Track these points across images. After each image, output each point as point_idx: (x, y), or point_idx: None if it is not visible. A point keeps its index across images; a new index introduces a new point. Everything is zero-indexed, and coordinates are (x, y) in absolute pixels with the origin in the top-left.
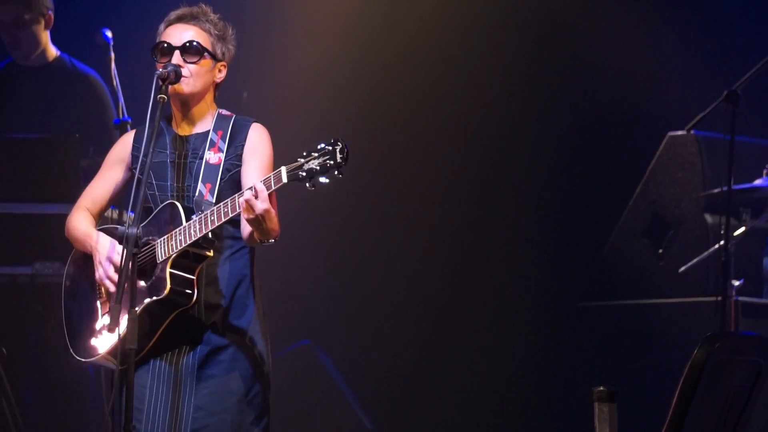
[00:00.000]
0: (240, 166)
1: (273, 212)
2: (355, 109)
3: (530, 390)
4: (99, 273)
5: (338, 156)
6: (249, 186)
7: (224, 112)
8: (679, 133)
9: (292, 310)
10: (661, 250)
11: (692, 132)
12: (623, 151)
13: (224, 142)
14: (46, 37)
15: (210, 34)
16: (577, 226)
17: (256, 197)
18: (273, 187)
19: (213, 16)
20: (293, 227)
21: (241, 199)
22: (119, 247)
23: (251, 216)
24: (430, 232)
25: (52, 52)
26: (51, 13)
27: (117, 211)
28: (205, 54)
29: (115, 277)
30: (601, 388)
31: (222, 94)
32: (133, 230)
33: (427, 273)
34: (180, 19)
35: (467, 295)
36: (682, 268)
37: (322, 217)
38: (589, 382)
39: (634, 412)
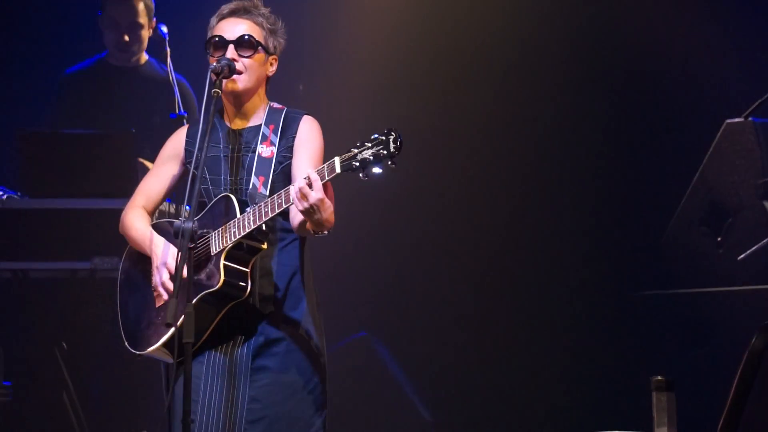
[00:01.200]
0: (291, 158)
1: (328, 202)
2: (410, 100)
3: (588, 380)
4: (155, 279)
5: (392, 146)
6: (302, 176)
7: (276, 105)
8: (737, 120)
9: (349, 302)
10: (719, 238)
11: (750, 119)
12: (681, 139)
13: (276, 136)
14: (146, 42)
15: (262, 27)
16: (636, 214)
17: (310, 186)
18: (326, 177)
19: (264, 10)
20: (350, 218)
21: (295, 188)
22: (174, 250)
23: (305, 205)
24: (485, 221)
25: (144, 56)
26: (154, 20)
27: (174, 205)
28: (259, 48)
29: (170, 284)
30: (659, 378)
31: (278, 87)
32: (189, 224)
33: (482, 263)
34: (233, 13)
35: (524, 285)
36: (742, 256)
37: (377, 208)
38: (648, 372)
39: (692, 402)
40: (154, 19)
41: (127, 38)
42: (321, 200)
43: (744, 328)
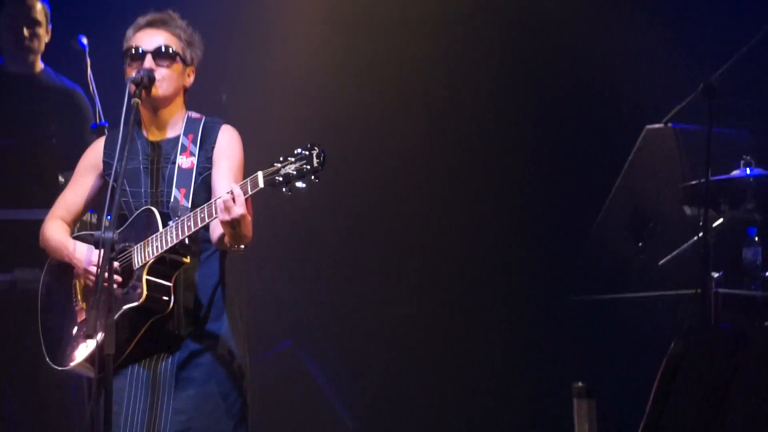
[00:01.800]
0: (211, 168)
1: (249, 218)
2: (335, 110)
3: (513, 386)
4: (90, 279)
5: (315, 161)
6: (224, 189)
7: (194, 114)
8: (657, 126)
9: (274, 311)
10: (641, 243)
11: (670, 125)
12: (603, 144)
13: (195, 146)
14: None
15: (180, 39)
16: (560, 220)
17: (234, 201)
18: (250, 192)
19: (181, 22)
20: (275, 228)
21: (219, 202)
22: (95, 254)
23: (227, 219)
24: (414, 232)
25: (39, 64)
26: (50, 27)
27: (96, 216)
28: (177, 58)
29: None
30: (580, 384)
31: (201, 97)
32: (110, 234)
33: (410, 271)
34: (150, 24)
35: (450, 291)
36: (662, 261)
37: (303, 218)
38: (570, 378)
39: (613, 408)
40: (50, 26)
41: (27, 34)
42: (243, 215)
43: (664, 333)
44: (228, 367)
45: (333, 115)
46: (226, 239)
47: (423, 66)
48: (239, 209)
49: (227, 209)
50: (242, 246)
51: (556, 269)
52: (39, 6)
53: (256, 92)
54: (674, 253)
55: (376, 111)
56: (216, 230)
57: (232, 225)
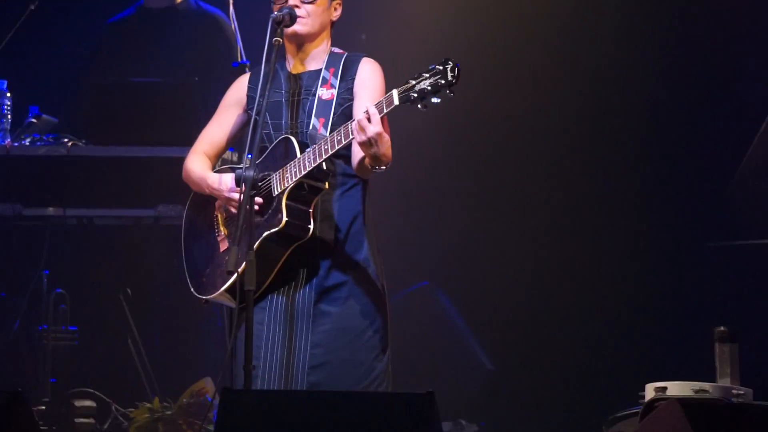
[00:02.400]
0: (352, 100)
1: (386, 136)
2: (477, 51)
3: (654, 331)
4: (229, 207)
5: (449, 74)
6: (362, 112)
7: (337, 50)
8: None
9: (411, 251)
10: None
11: None
12: (747, 88)
13: (336, 78)
14: None
15: None
16: (703, 163)
17: (369, 120)
18: (385, 110)
19: None
20: (413, 166)
21: (354, 122)
22: (234, 184)
23: (363, 139)
24: (551, 167)
25: None
26: None
27: (236, 154)
28: None
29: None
30: (723, 328)
31: (341, 36)
32: (251, 172)
33: (548, 210)
34: None
35: (589, 234)
36: None
37: (441, 158)
38: (713, 323)
39: (755, 353)
40: None
41: None
42: (379, 134)
43: None
44: (367, 298)
45: (475, 55)
46: (366, 161)
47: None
48: (375, 127)
49: (362, 129)
50: (383, 167)
51: (701, 215)
52: None
53: (396, 33)
54: None
55: (517, 54)
56: (356, 155)
57: (370, 144)
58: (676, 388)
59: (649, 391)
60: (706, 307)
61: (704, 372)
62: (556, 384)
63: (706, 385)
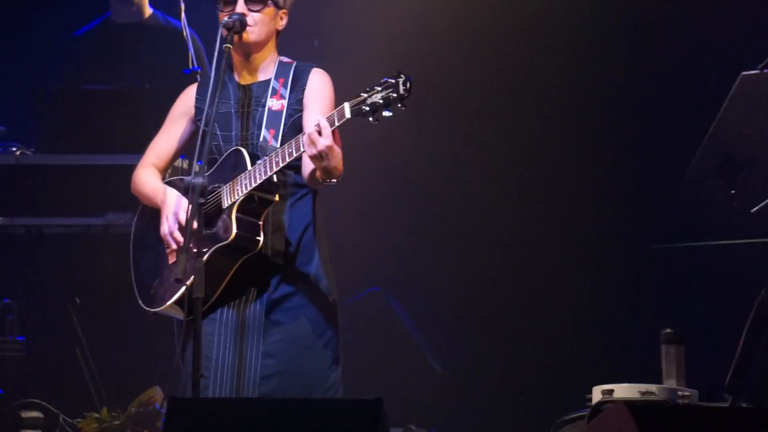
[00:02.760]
0: (302, 111)
1: (337, 149)
2: (429, 56)
3: (598, 332)
4: (164, 228)
5: (401, 88)
6: (312, 125)
7: (285, 59)
8: (753, 72)
9: (361, 256)
10: (733, 191)
11: (766, 71)
12: (696, 91)
13: (286, 89)
14: None
15: None
16: (649, 166)
17: (320, 133)
18: (336, 123)
19: None
20: (363, 170)
21: (305, 135)
22: (185, 202)
23: (314, 152)
24: (500, 171)
25: (147, 9)
26: None
27: (187, 161)
28: (269, 2)
29: (179, 235)
30: (669, 330)
31: (293, 43)
32: (199, 180)
33: (495, 214)
34: None
35: (536, 237)
36: (755, 209)
37: (390, 161)
38: (658, 325)
39: (701, 354)
40: None
41: None
42: (330, 147)
43: (755, 281)
44: (318, 309)
45: (425, 60)
46: (317, 174)
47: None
48: (325, 140)
49: (313, 142)
50: (333, 180)
51: (646, 216)
52: None
53: (348, 38)
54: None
55: (468, 60)
56: (307, 167)
57: (320, 157)
58: (622, 391)
59: (596, 393)
60: (652, 309)
61: (651, 374)
62: (505, 388)
63: (652, 387)
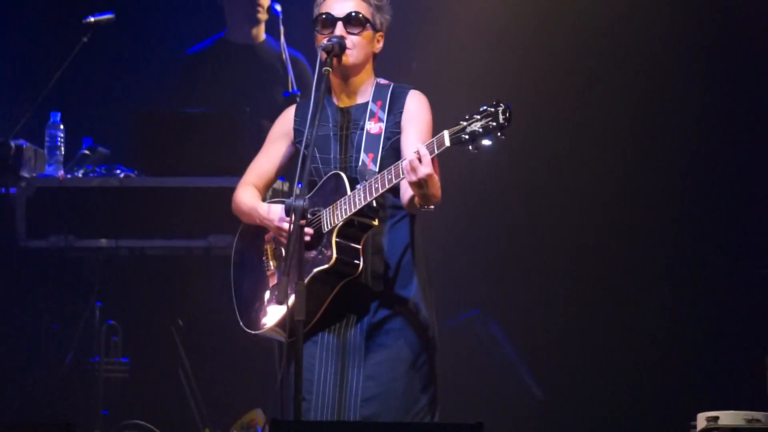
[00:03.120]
0: (399, 133)
1: (436, 177)
2: (523, 78)
3: (705, 359)
4: (279, 237)
5: (501, 117)
6: (412, 152)
7: (382, 81)
8: None
9: (462, 279)
10: None
11: None
12: None
13: (384, 112)
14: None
15: (370, 4)
16: (754, 189)
17: (420, 161)
18: (436, 151)
19: None
20: (464, 194)
21: (405, 163)
22: (284, 214)
23: (414, 180)
24: (595, 197)
25: (263, 34)
26: None
27: (287, 184)
28: (367, 25)
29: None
30: None
31: (391, 64)
32: (300, 202)
33: (595, 238)
34: None
35: (639, 258)
36: None
37: (492, 185)
38: (764, 351)
39: None
40: None
41: (262, 5)
42: (430, 175)
43: None
44: (417, 331)
45: (523, 81)
46: (416, 200)
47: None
48: (425, 169)
49: (413, 169)
50: (432, 206)
51: (751, 240)
52: None
53: (446, 59)
54: None
55: (564, 72)
56: (406, 192)
57: (420, 185)
58: (728, 418)
59: (701, 420)
60: (757, 335)
61: (756, 401)
62: (607, 413)
63: (758, 415)
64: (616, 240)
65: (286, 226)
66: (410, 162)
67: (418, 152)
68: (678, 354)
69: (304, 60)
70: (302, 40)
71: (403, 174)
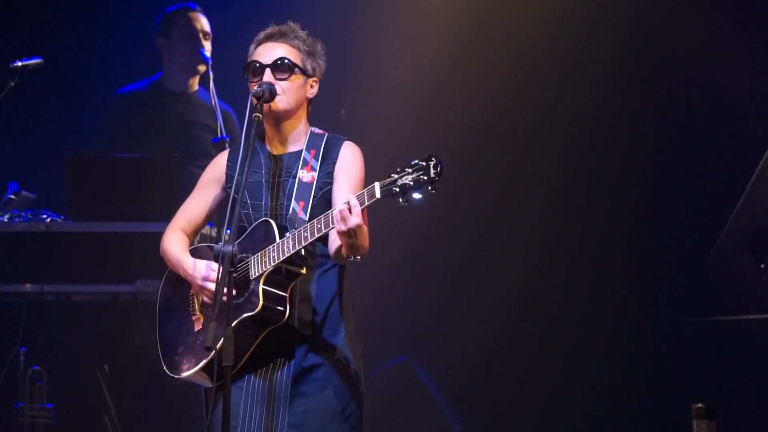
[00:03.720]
0: (332, 183)
1: (365, 228)
2: (454, 126)
3: (629, 405)
4: (205, 295)
5: (432, 171)
6: (342, 201)
7: (317, 130)
8: None
9: (388, 327)
10: (763, 265)
11: None
12: (725, 163)
13: (317, 161)
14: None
15: (299, 50)
16: (679, 239)
17: (350, 211)
18: (366, 203)
19: (301, 33)
20: (385, 243)
21: (335, 212)
22: (215, 266)
23: (343, 229)
24: (522, 244)
25: (196, 84)
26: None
27: (215, 229)
28: (296, 70)
29: (211, 291)
30: (700, 405)
31: (320, 111)
32: (229, 248)
33: (520, 285)
34: (269, 38)
35: (563, 307)
36: None
37: (416, 232)
38: (689, 399)
39: (733, 429)
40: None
41: (194, 47)
42: (359, 225)
43: None
44: (344, 379)
45: (451, 128)
46: (344, 250)
47: (541, 73)
48: (355, 219)
49: (343, 219)
50: (359, 257)
51: (678, 289)
52: (204, 20)
53: (375, 106)
54: None
55: (493, 122)
56: (334, 242)
57: (349, 235)
58: None
59: None
60: (682, 382)
61: None
62: None
63: None
64: (545, 292)
65: (209, 285)
66: (340, 212)
67: (348, 202)
68: (603, 400)
69: (229, 109)
70: (231, 95)
71: (332, 224)
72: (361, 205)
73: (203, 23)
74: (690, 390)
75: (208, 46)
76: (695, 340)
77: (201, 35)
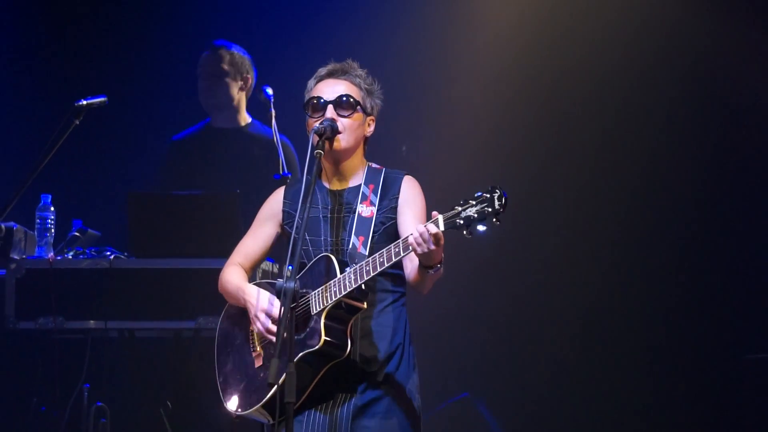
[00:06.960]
0: (393, 218)
1: (442, 240)
2: (515, 161)
3: None
4: (257, 325)
5: (496, 203)
6: (410, 231)
7: (374, 165)
8: None
9: (450, 363)
10: None
11: None
12: None
13: (376, 196)
14: (241, 99)
15: (360, 88)
16: (744, 276)
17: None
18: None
19: (361, 71)
20: (445, 277)
21: (411, 238)
22: (276, 301)
23: (424, 251)
24: (588, 278)
25: (246, 117)
26: (249, 78)
27: (276, 265)
28: (357, 108)
29: (274, 328)
30: None
31: (382, 148)
32: (291, 284)
33: (585, 320)
34: (330, 75)
35: (628, 343)
36: None
37: (473, 266)
38: None
39: None
40: (249, 77)
41: (208, 84)
42: (435, 234)
43: None
44: (404, 413)
45: (514, 163)
46: (423, 261)
47: (600, 105)
48: (430, 238)
49: (423, 240)
50: (439, 267)
51: (743, 325)
52: (227, 57)
53: (435, 143)
54: None
55: (555, 151)
56: (409, 265)
57: (429, 255)
58: None
59: None
60: (744, 420)
61: None
62: None
63: None
64: (609, 327)
65: (264, 318)
66: (420, 233)
67: (416, 230)
68: None
69: (290, 144)
70: (288, 126)
71: (394, 257)
72: (423, 236)
73: (226, 60)
74: (758, 429)
75: (231, 83)
76: (761, 376)
77: (219, 73)
